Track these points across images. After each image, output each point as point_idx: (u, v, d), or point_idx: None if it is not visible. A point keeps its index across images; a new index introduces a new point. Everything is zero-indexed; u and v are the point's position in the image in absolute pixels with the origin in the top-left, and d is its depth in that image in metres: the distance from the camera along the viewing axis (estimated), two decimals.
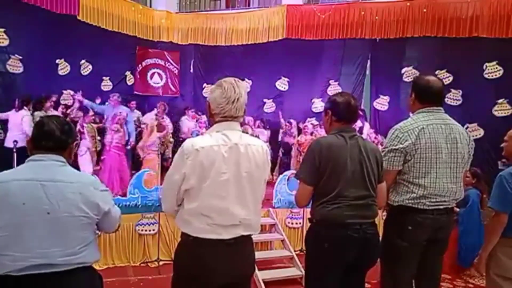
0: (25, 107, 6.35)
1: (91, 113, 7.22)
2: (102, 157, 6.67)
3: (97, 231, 1.87)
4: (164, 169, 6.42)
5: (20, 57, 7.40)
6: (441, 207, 2.35)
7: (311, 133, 7.74)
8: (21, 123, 6.14)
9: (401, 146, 2.31)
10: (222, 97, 1.85)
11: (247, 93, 1.94)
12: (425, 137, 2.29)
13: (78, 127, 6.46)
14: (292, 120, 8.36)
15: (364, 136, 6.85)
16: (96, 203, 1.75)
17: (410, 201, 2.33)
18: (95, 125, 7.27)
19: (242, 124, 2.01)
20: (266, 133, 8.31)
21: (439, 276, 2.58)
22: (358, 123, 7.16)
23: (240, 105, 1.87)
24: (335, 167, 2.15)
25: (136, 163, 7.25)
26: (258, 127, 8.39)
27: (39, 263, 1.62)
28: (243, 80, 10.23)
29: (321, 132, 7.60)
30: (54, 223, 1.66)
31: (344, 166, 2.15)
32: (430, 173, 2.30)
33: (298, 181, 2.28)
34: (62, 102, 7.93)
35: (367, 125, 7.90)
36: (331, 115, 2.30)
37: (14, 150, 5.02)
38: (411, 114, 2.49)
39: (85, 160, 6.39)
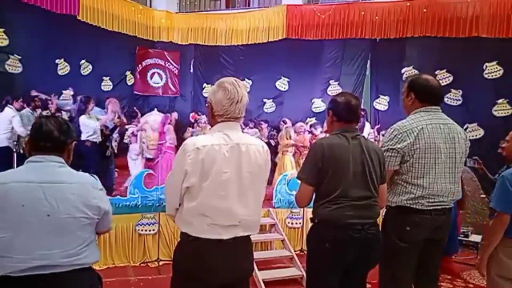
0: (9, 105, 6.12)
1: (139, 115, 7.23)
2: (156, 159, 6.76)
3: None
4: None
5: (19, 57, 7.39)
6: (439, 207, 2.34)
7: (310, 132, 7.73)
8: (9, 123, 5.97)
9: (398, 146, 2.29)
10: (226, 98, 1.84)
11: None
12: (425, 138, 2.27)
13: (132, 130, 6.55)
14: (286, 120, 8.35)
15: (365, 136, 6.83)
16: (97, 203, 1.75)
17: (408, 201, 2.32)
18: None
19: None
20: (259, 133, 8.26)
21: (437, 276, 2.58)
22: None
23: (243, 106, 1.88)
24: (337, 168, 2.14)
25: None
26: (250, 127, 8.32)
27: (40, 265, 1.61)
28: (243, 80, 10.24)
29: (317, 132, 7.60)
30: (54, 225, 1.65)
31: (346, 167, 2.15)
32: (429, 174, 2.29)
33: (299, 182, 2.27)
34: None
35: (367, 125, 7.90)
36: (332, 115, 2.30)
37: (14, 150, 5.02)
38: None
39: (138, 164, 6.48)
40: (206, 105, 1.95)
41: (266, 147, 1.98)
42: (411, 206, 2.31)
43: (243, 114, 1.90)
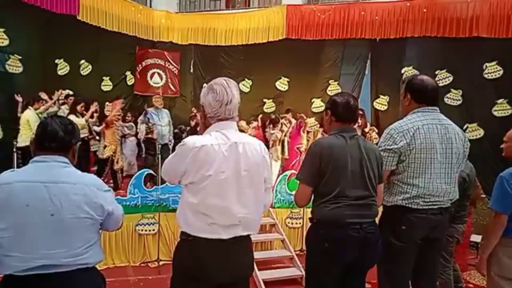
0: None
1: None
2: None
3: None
4: None
5: (20, 57, 7.39)
6: (435, 207, 2.34)
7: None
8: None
9: (395, 146, 2.30)
10: (215, 100, 1.85)
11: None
12: (421, 138, 2.28)
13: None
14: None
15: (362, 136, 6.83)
16: (100, 204, 1.75)
17: (404, 201, 2.33)
18: None
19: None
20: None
21: (436, 276, 2.58)
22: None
23: (234, 106, 1.88)
24: (335, 167, 2.15)
25: None
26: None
27: (43, 264, 1.62)
28: (242, 80, 10.16)
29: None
30: (58, 225, 1.66)
31: (345, 166, 2.15)
32: (424, 173, 2.29)
33: (298, 182, 2.28)
34: None
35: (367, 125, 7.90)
36: (331, 115, 2.31)
37: (14, 150, 5.03)
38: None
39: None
40: (200, 108, 1.95)
41: (262, 145, 1.98)
42: (407, 205, 2.32)
43: (234, 114, 1.89)
